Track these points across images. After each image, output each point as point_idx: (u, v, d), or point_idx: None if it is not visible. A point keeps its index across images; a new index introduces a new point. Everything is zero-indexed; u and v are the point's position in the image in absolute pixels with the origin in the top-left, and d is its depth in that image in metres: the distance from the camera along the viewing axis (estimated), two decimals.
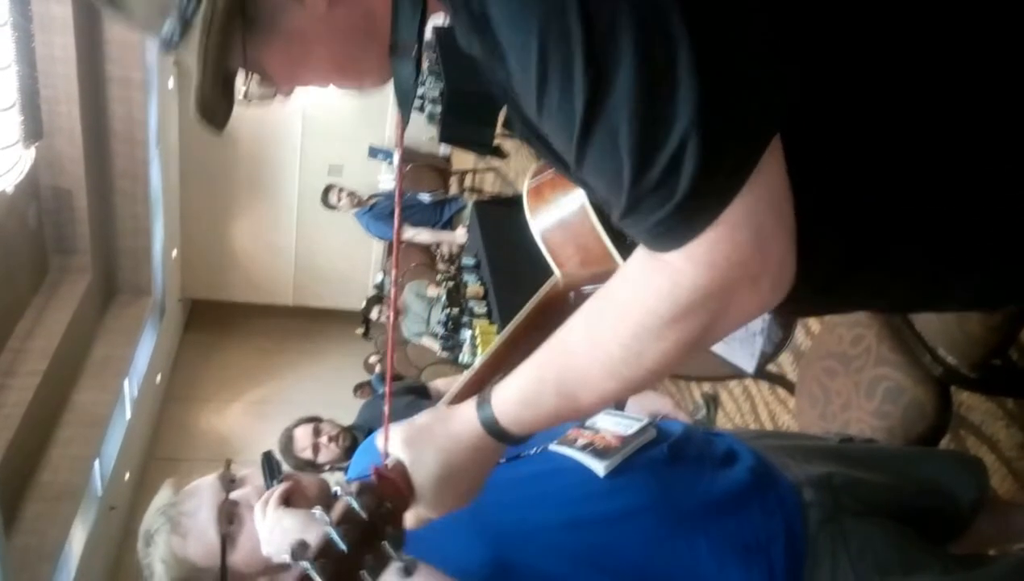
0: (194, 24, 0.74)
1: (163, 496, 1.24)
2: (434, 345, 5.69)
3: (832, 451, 1.32)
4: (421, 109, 6.89)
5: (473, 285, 4.23)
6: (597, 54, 0.62)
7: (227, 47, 0.76)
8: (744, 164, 0.65)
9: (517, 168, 7.15)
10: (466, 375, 1.07)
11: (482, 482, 0.91)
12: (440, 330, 4.84)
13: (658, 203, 0.66)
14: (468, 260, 4.46)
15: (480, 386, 0.93)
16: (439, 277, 5.55)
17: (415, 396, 2.67)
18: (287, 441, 2.79)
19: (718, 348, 1.08)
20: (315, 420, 2.78)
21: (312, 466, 2.73)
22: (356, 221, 5.63)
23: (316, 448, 2.71)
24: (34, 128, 6.79)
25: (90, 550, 7.51)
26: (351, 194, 5.66)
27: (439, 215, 5.37)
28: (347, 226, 6.86)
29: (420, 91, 6.72)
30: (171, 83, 8.74)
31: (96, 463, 7.60)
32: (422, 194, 5.63)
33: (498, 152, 6.53)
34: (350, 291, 10.10)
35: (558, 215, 1.03)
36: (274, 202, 10.25)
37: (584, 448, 1.19)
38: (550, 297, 1.08)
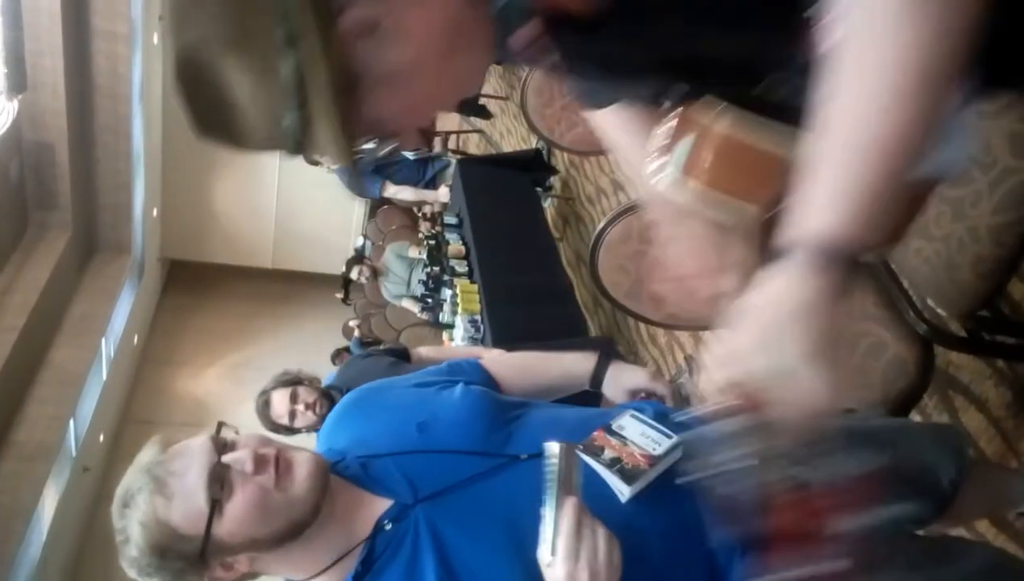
0: (311, 114, 0.72)
1: (148, 453, 1.13)
2: (414, 307, 5.63)
3: None
4: None
5: (455, 244, 4.17)
6: None
7: (347, 120, 0.72)
8: None
9: (502, 129, 7.06)
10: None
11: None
12: (420, 289, 4.76)
13: None
14: (450, 218, 4.40)
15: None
16: (420, 236, 5.47)
17: (396, 358, 2.63)
18: (263, 405, 2.74)
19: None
20: (293, 383, 2.72)
21: (288, 431, 2.68)
22: (338, 178, 5.55)
23: (292, 415, 2.67)
24: (18, 81, 6.67)
25: (63, 510, 7.46)
26: None
27: (422, 173, 5.28)
28: (328, 188, 6.76)
29: None
30: (156, 38, 8.59)
31: (71, 423, 7.54)
32: (406, 151, 5.56)
33: (483, 112, 6.46)
34: (331, 254, 10.01)
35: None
36: (256, 162, 10.11)
37: (612, 465, 1.14)
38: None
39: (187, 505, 1.06)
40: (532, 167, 4.84)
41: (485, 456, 1.16)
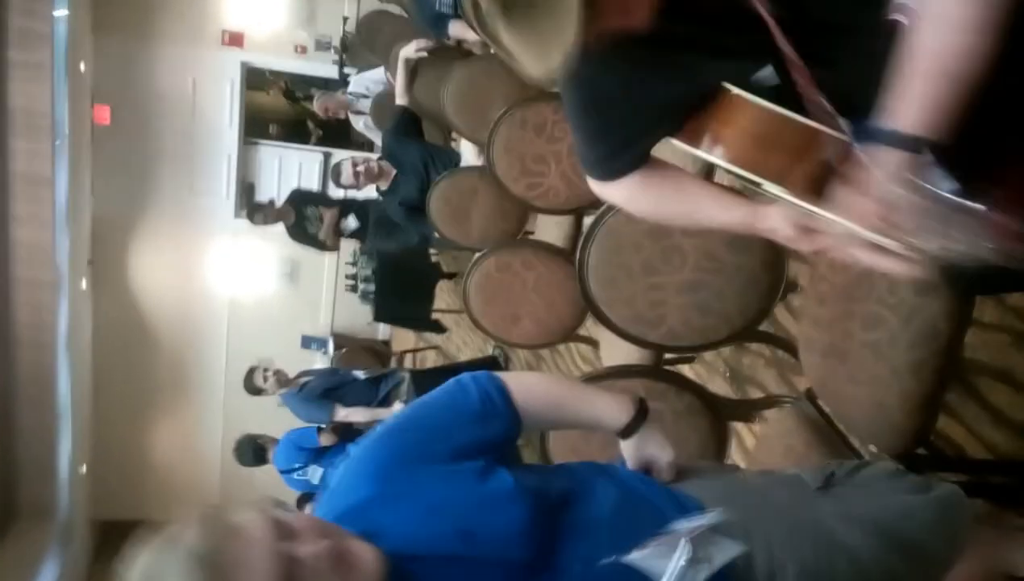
0: None
1: (194, 535, 1.04)
2: None
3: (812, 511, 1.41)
4: (354, 289, 7.15)
5: None
6: None
7: None
8: None
9: (458, 342, 7.34)
10: None
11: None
12: None
13: None
14: None
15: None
16: None
17: None
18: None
19: None
20: None
21: None
22: (284, 405, 5.69)
23: None
24: None
25: None
26: (278, 372, 5.76)
27: (375, 393, 5.45)
28: (279, 422, 6.85)
29: (352, 270, 7.02)
30: (84, 284, 8.92)
31: None
32: (357, 371, 5.75)
33: (437, 327, 6.75)
34: (287, 496, 9.92)
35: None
36: (197, 405, 10.24)
37: None
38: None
39: None
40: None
41: (531, 569, 1.21)
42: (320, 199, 6.55)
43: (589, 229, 2.20)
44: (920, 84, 1.09)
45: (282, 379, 5.75)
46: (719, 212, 1.51)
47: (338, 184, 5.23)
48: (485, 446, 1.33)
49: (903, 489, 1.48)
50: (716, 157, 1.32)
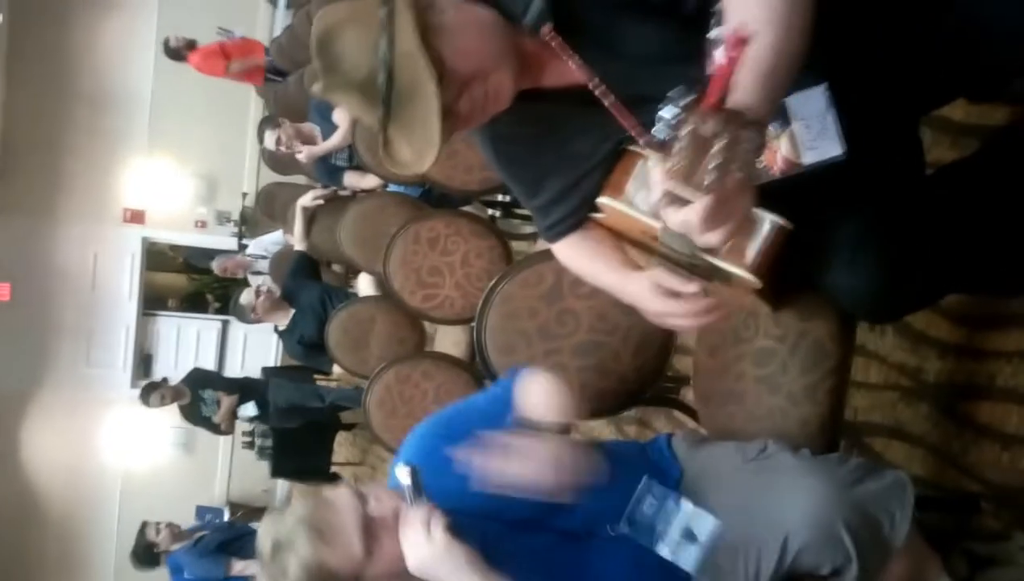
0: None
1: (301, 506, 1.47)
2: None
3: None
4: (251, 446, 6.87)
5: None
6: None
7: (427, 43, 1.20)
8: None
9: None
10: None
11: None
12: None
13: None
14: None
15: None
16: None
17: None
18: None
19: (808, 158, 1.25)
20: None
21: None
22: (175, 565, 5.32)
23: None
24: None
25: None
26: (171, 525, 5.45)
27: None
28: None
29: (249, 427, 6.77)
30: None
31: None
32: (255, 524, 5.46)
33: (335, 480, 6.50)
34: None
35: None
36: None
37: None
38: None
39: (345, 552, 1.42)
40: None
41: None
42: (219, 382, 6.35)
43: (486, 295, 2.17)
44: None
45: (175, 533, 5.44)
46: (614, 281, 1.57)
47: (244, 320, 5.11)
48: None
49: (850, 467, 1.52)
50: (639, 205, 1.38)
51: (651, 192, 1.14)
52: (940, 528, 1.99)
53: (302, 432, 5.93)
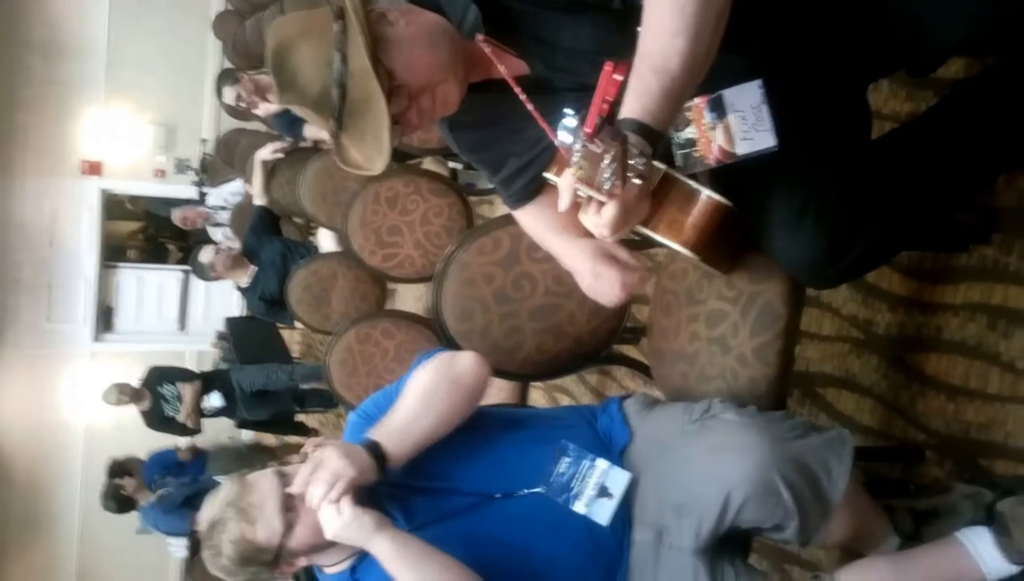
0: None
1: (229, 490, 1.59)
2: None
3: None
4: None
5: None
6: None
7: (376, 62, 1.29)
8: None
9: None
10: None
11: None
12: None
13: None
14: None
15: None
16: None
17: None
18: None
19: (742, 148, 1.31)
20: None
21: None
22: (141, 522, 5.31)
23: None
24: None
25: None
26: (130, 460, 5.43)
27: None
28: (137, 550, 6.39)
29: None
30: None
31: None
32: (218, 477, 5.44)
33: (301, 429, 6.46)
34: None
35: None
36: (51, 538, 9.46)
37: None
38: None
39: (267, 528, 1.55)
40: None
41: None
42: (177, 373, 5.79)
43: (442, 264, 2.15)
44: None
45: (138, 479, 5.44)
46: (558, 246, 1.67)
47: (204, 278, 5.03)
48: None
49: (791, 424, 1.55)
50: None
51: (561, 193, 1.23)
52: (887, 478, 2.04)
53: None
